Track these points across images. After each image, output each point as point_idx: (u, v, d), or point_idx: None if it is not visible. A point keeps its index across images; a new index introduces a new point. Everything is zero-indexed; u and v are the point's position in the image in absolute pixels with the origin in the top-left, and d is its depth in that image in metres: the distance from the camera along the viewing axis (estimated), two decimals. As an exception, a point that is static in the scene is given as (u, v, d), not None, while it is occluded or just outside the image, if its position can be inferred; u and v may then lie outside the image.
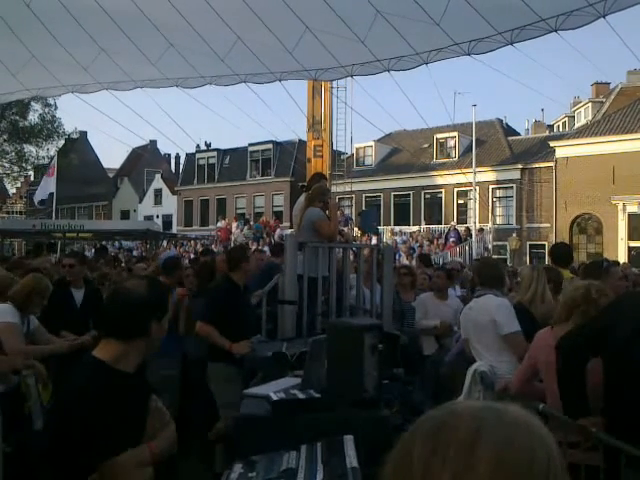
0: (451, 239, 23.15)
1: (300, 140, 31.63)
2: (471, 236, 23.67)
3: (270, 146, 36.14)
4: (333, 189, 23.44)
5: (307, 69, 10.06)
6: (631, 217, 24.56)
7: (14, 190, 51.42)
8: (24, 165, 41.27)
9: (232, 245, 26.29)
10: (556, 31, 7.34)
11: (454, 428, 0.75)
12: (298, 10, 8.70)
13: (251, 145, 36.87)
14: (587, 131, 26.57)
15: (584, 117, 34.29)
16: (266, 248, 19.66)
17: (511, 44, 7.86)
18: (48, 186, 23.15)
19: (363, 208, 30.08)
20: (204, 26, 9.51)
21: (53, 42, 10.10)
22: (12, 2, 9.59)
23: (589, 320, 3.12)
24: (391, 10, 8.12)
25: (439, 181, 29.83)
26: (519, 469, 0.72)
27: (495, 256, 21.76)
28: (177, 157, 47.82)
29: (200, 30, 9.59)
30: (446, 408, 0.80)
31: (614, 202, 24.39)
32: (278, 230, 26.59)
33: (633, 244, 24.54)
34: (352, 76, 10.03)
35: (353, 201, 31.37)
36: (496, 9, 7.55)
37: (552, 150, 26.67)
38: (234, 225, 29.60)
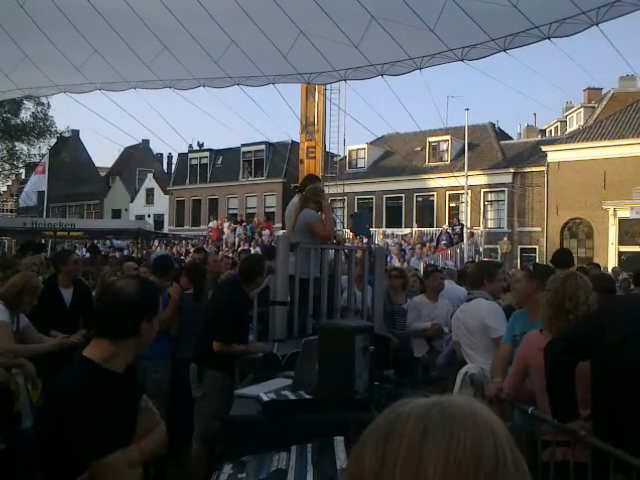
0: (442, 242, 23.19)
1: (293, 141, 31.62)
2: (462, 239, 23.74)
3: (263, 147, 36.10)
4: (325, 191, 23.42)
5: (301, 73, 10.08)
6: (622, 222, 24.70)
7: (5, 188, 51.13)
8: (15, 163, 41.03)
9: (224, 245, 26.28)
10: (549, 38, 7.39)
11: (400, 434, 0.73)
12: (292, 14, 8.72)
13: (244, 146, 36.80)
14: (579, 136, 26.71)
15: (576, 122, 34.47)
16: (257, 249, 19.66)
17: (504, 50, 7.92)
18: (36, 184, 23.08)
19: (355, 210, 30.08)
20: (198, 29, 9.52)
21: (46, 42, 10.08)
22: (6, 3, 9.56)
23: (576, 324, 3.14)
24: (385, 15, 8.16)
25: (431, 184, 29.88)
26: (467, 466, 0.70)
27: (486, 259, 21.82)
28: (169, 157, 47.73)
29: (194, 32, 9.59)
30: (393, 411, 0.78)
31: (605, 207, 24.53)
32: (266, 232, 26.53)
33: (623, 249, 24.69)
34: (345, 80, 10.06)
35: (345, 203, 31.36)
36: (490, 16, 7.59)
37: (544, 154, 26.79)
38: (225, 225, 29.54)
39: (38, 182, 23.23)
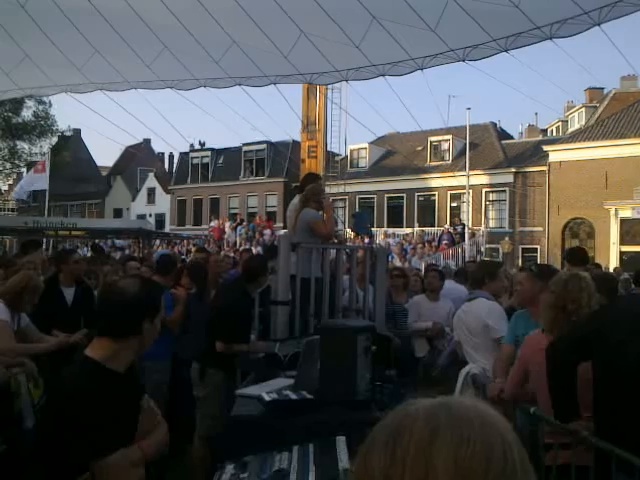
0: (444, 242, 23.20)
1: (294, 141, 31.63)
2: (464, 239, 23.75)
3: (264, 146, 36.10)
4: (327, 190, 23.40)
5: (302, 73, 10.07)
6: (623, 222, 24.68)
7: (6, 187, 51.17)
8: (17, 162, 41.11)
9: (225, 244, 26.28)
10: (551, 39, 7.37)
11: (409, 433, 0.74)
12: (294, 15, 8.71)
13: (245, 145, 36.82)
14: (580, 136, 26.70)
15: (577, 122, 34.47)
16: (259, 248, 19.67)
17: (506, 51, 7.90)
18: (29, 182, 23.10)
19: (356, 210, 30.09)
20: (199, 29, 9.51)
21: (47, 42, 10.09)
22: (7, 3, 9.56)
23: (578, 324, 3.13)
24: (387, 16, 8.14)
25: (432, 184, 29.89)
26: (477, 467, 0.71)
27: (487, 259, 21.81)
28: (171, 156, 47.74)
29: (195, 33, 9.59)
30: (401, 412, 0.79)
31: (606, 207, 24.51)
32: (267, 231, 26.55)
33: (625, 249, 24.67)
34: (347, 80, 10.05)
35: (347, 202, 31.38)
36: (491, 16, 7.57)
37: (545, 154, 26.78)
38: (227, 225, 29.55)
39: (31, 180, 23.18)
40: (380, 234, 26.01)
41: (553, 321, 3.26)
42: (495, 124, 32.89)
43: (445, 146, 31.11)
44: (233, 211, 36.64)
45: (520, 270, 4.53)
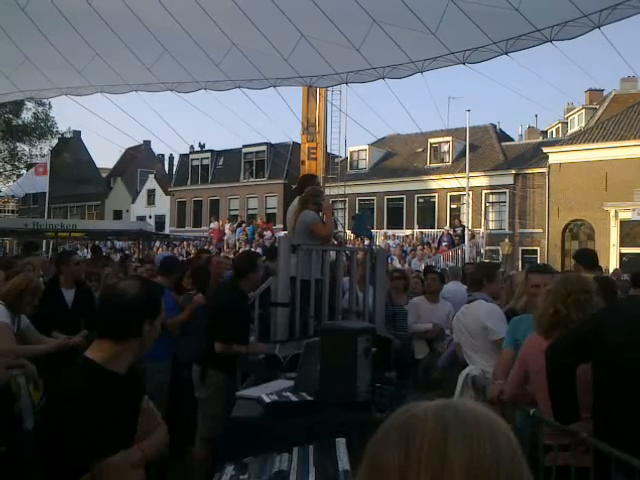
0: (444, 243, 23.20)
1: (294, 142, 31.63)
2: (464, 240, 23.75)
3: (264, 148, 36.09)
4: (327, 192, 23.43)
5: (302, 76, 10.10)
6: (623, 223, 24.68)
7: (6, 189, 51.16)
8: (17, 164, 41.13)
9: (225, 246, 26.28)
10: (551, 41, 7.38)
11: (421, 433, 0.76)
12: (294, 18, 8.74)
13: (245, 147, 36.82)
14: (580, 137, 26.70)
15: (577, 124, 34.45)
16: (259, 250, 19.66)
17: (506, 54, 7.91)
18: (34, 184, 23.13)
19: (356, 211, 30.09)
20: (200, 32, 9.53)
21: (48, 45, 10.11)
22: (7, 6, 9.58)
23: (578, 326, 3.14)
24: (387, 19, 8.16)
25: (432, 185, 29.88)
26: (488, 466, 0.73)
27: (486, 260, 21.81)
28: (171, 158, 47.75)
29: (196, 36, 9.61)
30: (405, 413, 0.80)
31: (606, 208, 24.51)
32: (267, 233, 26.55)
33: (625, 250, 24.66)
34: (347, 83, 10.07)
35: (346, 204, 31.38)
36: (491, 19, 7.59)
37: (545, 156, 26.78)
38: (227, 226, 29.55)
39: (31, 180, 23.16)
40: (380, 236, 26.01)
41: (549, 322, 3.27)
42: (495, 126, 32.89)
43: (445, 148, 31.11)
44: (233, 213, 36.63)
45: (529, 273, 4.46)
